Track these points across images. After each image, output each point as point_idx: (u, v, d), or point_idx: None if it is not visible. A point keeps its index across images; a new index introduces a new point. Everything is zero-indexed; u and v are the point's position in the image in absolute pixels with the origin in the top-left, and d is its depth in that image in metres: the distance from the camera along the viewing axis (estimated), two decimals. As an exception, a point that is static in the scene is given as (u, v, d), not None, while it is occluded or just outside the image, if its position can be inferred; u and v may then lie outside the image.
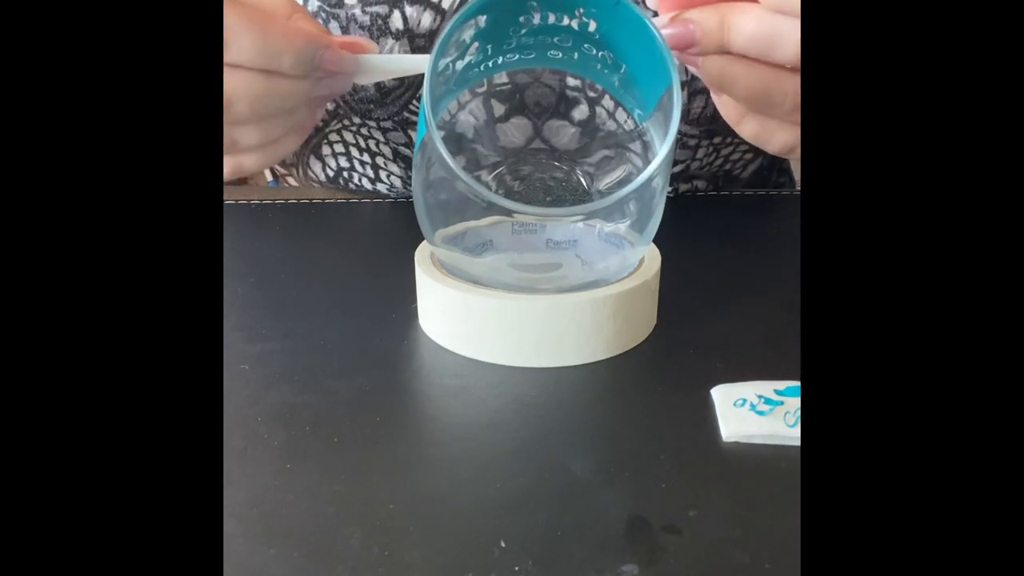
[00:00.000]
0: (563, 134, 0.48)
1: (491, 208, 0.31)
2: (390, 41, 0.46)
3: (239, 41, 0.32)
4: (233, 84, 0.33)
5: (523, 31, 0.34)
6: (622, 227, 0.36)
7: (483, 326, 0.34)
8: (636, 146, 0.40)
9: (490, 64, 0.35)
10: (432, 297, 0.36)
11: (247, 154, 0.37)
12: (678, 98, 0.31)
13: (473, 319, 0.34)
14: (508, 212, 0.31)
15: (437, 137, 0.30)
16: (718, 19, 0.31)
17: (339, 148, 0.56)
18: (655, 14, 0.33)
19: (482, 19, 0.32)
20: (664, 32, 0.31)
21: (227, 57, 0.32)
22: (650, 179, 0.31)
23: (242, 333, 0.37)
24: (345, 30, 0.46)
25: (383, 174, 0.56)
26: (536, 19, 0.33)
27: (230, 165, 0.38)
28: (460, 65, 0.34)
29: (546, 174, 0.43)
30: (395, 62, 0.37)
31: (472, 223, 0.38)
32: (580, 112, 0.47)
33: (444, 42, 0.31)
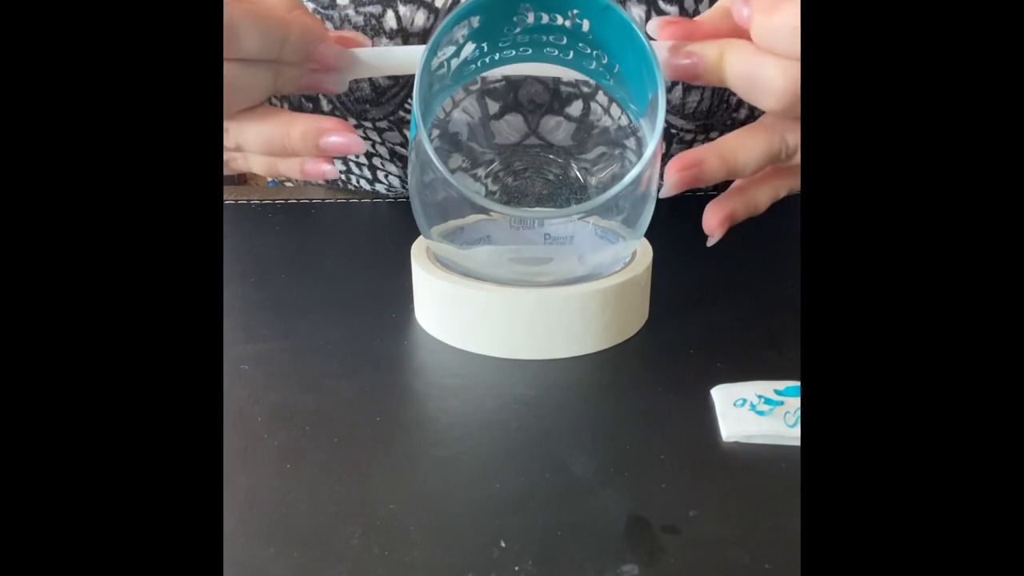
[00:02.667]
0: (558, 130, 0.48)
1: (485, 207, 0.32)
2: (384, 41, 0.46)
3: (246, 32, 0.32)
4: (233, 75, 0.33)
5: (517, 30, 0.34)
6: (615, 222, 0.36)
7: (474, 318, 0.34)
8: (631, 142, 0.40)
9: (487, 60, 0.35)
10: (426, 290, 0.36)
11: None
12: (663, 103, 0.31)
13: (464, 311, 0.34)
14: (505, 192, 0.31)
15: (427, 141, 0.30)
16: (718, 53, 0.32)
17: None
18: (651, 38, 0.33)
19: (475, 19, 0.33)
20: (669, 63, 0.32)
21: (231, 52, 0.32)
22: (640, 176, 0.31)
23: (242, 333, 0.37)
24: (339, 30, 0.46)
25: (381, 174, 0.56)
26: (530, 19, 0.33)
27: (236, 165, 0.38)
28: (456, 62, 0.34)
29: (543, 169, 0.43)
30: (388, 55, 0.36)
31: (468, 219, 0.38)
32: (575, 108, 0.47)
33: (435, 43, 0.31)
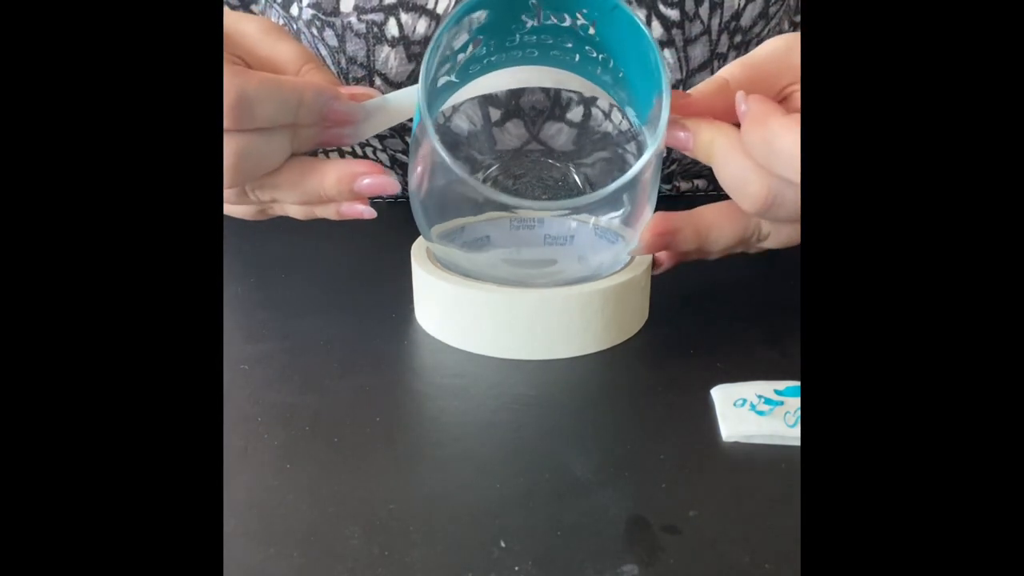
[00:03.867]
0: (559, 136, 0.48)
1: (487, 204, 0.31)
2: (386, 49, 0.46)
3: (261, 104, 0.32)
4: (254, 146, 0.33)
5: (525, 29, 0.34)
6: (615, 222, 0.36)
7: (474, 318, 0.34)
8: (631, 147, 0.40)
9: (493, 59, 0.35)
10: (426, 290, 0.36)
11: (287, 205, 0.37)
12: (667, 104, 0.31)
13: (464, 311, 0.34)
14: (503, 207, 0.31)
15: (432, 132, 0.30)
16: (709, 138, 0.33)
17: (335, 156, 0.56)
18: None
19: (482, 15, 0.32)
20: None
21: (248, 124, 0.32)
22: (640, 173, 0.31)
23: (242, 333, 0.37)
24: (341, 39, 0.46)
25: None
26: (538, 19, 0.33)
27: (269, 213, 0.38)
28: (462, 58, 0.34)
29: (542, 175, 0.43)
30: (399, 99, 0.36)
31: (468, 219, 0.38)
32: (575, 114, 0.47)
33: (442, 34, 0.31)
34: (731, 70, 0.34)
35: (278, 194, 0.35)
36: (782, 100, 0.34)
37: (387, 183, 0.34)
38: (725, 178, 0.33)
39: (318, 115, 0.34)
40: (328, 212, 0.36)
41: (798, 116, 0.30)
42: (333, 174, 0.34)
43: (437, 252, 0.37)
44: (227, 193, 0.35)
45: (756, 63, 0.34)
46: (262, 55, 0.36)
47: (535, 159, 0.45)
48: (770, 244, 0.36)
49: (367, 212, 0.35)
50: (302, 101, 0.33)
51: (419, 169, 0.34)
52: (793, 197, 0.31)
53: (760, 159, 0.31)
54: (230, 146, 0.31)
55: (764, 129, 0.30)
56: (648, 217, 0.34)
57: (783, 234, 0.35)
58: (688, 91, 0.33)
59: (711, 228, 0.34)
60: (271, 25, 0.36)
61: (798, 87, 0.34)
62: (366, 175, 0.34)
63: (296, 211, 0.36)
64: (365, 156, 0.55)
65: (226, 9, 0.36)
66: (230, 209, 0.37)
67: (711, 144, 0.33)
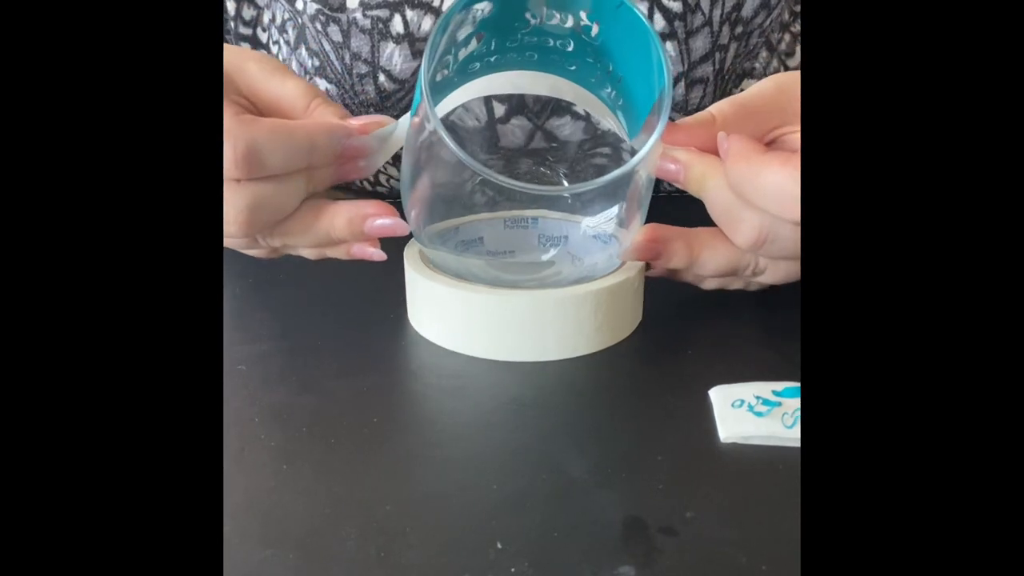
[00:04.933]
0: (563, 131, 0.48)
1: (481, 202, 0.31)
2: (391, 45, 0.46)
3: (272, 153, 0.31)
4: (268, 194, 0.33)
5: (527, 28, 0.34)
6: (610, 223, 0.36)
7: (467, 320, 0.34)
8: (627, 145, 0.40)
9: (492, 60, 0.35)
10: (418, 292, 0.36)
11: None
12: (668, 102, 0.31)
13: (457, 313, 0.34)
14: (494, 204, 0.31)
15: (433, 112, 0.29)
16: (700, 173, 0.33)
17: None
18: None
19: (488, 7, 0.32)
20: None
21: (261, 174, 0.32)
22: (635, 170, 0.31)
23: (240, 334, 0.36)
24: (346, 35, 0.46)
25: (382, 177, 0.56)
26: (541, 18, 0.33)
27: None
28: (463, 53, 0.34)
29: (536, 179, 0.43)
30: (406, 124, 0.36)
31: (461, 219, 0.38)
32: (579, 109, 0.47)
33: (446, 21, 0.31)
34: (720, 107, 0.34)
35: (289, 240, 0.35)
36: (770, 143, 0.35)
37: (397, 225, 0.34)
38: (717, 213, 0.33)
39: (332, 155, 0.34)
40: (339, 253, 0.36)
41: (781, 153, 0.30)
42: (343, 216, 0.34)
43: (430, 254, 0.37)
44: (237, 241, 0.35)
45: (746, 102, 0.34)
46: (268, 96, 0.35)
47: (529, 167, 0.45)
48: (767, 279, 0.36)
49: (376, 255, 0.35)
50: (314, 144, 0.33)
51: (412, 170, 0.34)
52: (787, 234, 0.31)
53: (745, 195, 0.31)
54: (244, 197, 0.31)
55: (748, 165, 0.31)
56: (641, 221, 0.34)
57: (780, 269, 0.35)
58: (676, 121, 0.34)
59: (704, 248, 0.34)
60: (274, 63, 0.36)
61: (786, 130, 0.34)
62: (376, 216, 0.34)
63: (307, 252, 0.36)
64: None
65: (228, 47, 0.36)
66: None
67: (703, 178, 0.33)
